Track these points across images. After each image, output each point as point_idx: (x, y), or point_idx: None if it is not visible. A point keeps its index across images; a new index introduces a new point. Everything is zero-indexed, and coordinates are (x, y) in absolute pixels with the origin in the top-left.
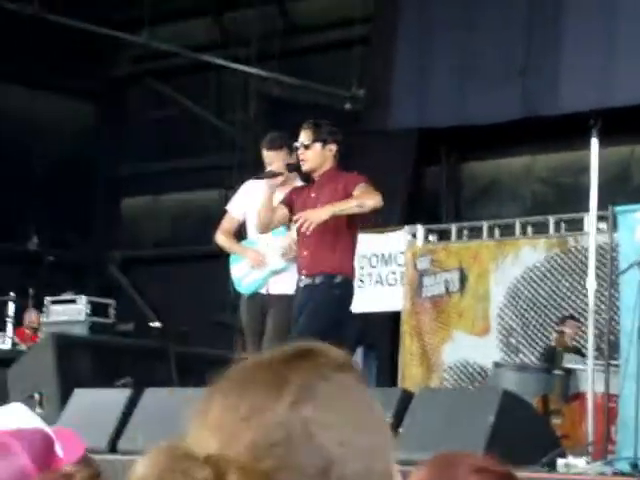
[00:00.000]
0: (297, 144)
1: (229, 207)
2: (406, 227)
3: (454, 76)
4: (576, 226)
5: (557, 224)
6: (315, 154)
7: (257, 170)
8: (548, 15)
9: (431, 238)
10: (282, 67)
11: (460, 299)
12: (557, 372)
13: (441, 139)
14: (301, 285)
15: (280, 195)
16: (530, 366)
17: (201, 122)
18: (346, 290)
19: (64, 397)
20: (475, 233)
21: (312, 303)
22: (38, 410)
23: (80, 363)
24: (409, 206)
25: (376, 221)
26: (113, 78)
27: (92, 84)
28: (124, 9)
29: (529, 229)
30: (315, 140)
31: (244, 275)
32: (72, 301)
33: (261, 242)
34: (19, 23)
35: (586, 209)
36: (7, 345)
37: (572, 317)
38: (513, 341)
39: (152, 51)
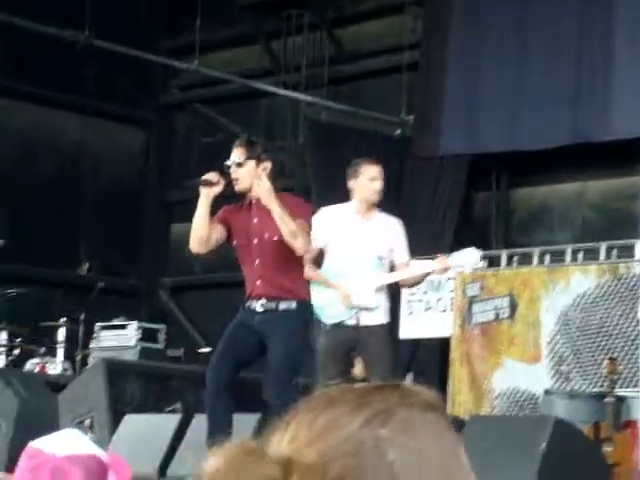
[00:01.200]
0: (228, 162)
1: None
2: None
3: (504, 101)
4: (627, 253)
5: (608, 251)
6: (248, 173)
7: (306, 196)
8: (599, 39)
9: (481, 264)
10: (331, 93)
11: (510, 326)
12: (609, 400)
13: (491, 165)
14: (259, 309)
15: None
16: (581, 394)
17: None
18: (309, 314)
19: (114, 422)
20: (525, 259)
21: (282, 329)
22: (89, 435)
23: (130, 388)
24: (459, 232)
25: (426, 247)
26: (162, 105)
27: (142, 111)
28: (174, 36)
29: (580, 256)
30: (249, 158)
31: (328, 304)
32: (122, 327)
33: (351, 275)
34: (71, 50)
35: (637, 235)
36: (58, 370)
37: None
38: (564, 368)
39: (202, 78)
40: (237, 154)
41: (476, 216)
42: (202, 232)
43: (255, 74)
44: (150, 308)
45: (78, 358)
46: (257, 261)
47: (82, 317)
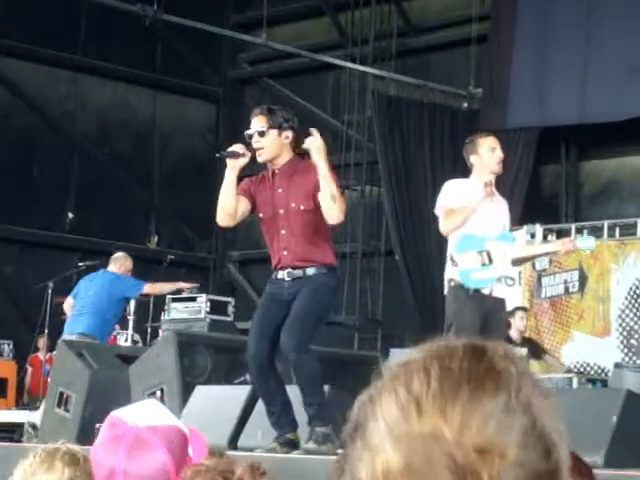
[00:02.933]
0: (250, 132)
1: (442, 203)
2: (525, 227)
3: (573, 74)
4: None
5: None
6: (271, 142)
7: (374, 170)
8: None
9: (550, 238)
10: (399, 66)
11: (580, 300)
12: None
13: (561, 137)
14: (288, 278)
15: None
16: None
17: (318, 122)
18: (336, 280)
19: (185, 394)
20: (595, 233)
21: (308, 288)
22: None
23: (200, 360)
24: (528, 205)
25: None
26: (231, 79)
27: (211, 85)
28: (242, 11)
29: None
30: (270, 127)
31: (474, 270)
32: (192, 299)
33: (492, 244)
34: (141, 25)
35: None
36: (128, 342)
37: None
38: (634, 342)
39: (270, 52)
40: (258, 123)
41: (545, 189)
42: (229, 206)
43: (323, 47)
44: (219, 281)
45: (149, 330)
46: (283, 232)
47: None
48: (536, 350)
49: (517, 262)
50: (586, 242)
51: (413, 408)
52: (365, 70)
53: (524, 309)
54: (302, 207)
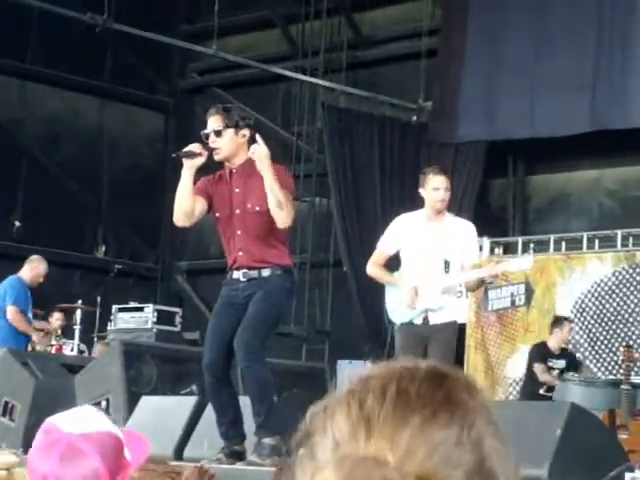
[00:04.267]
0: (206, 131)
1: (381, 244)
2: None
3: (522, 88)
4: None
5: (625, 238)
6: (227, 141)
7: (324, 180)
8: (618, 28)
9: (497, 251)
10: (349, 79)
11: (526, 313)
12: (624, 387)
13: (509, 151)
14: (243, 279)
15: None
16: (597, 381)
17: (268, 133)
18: (292, 282)
19: (131, 404)
20: (542, 247)
21: (262, 291)
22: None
23: (146, 371)
24: (476, 219)
25: None
26: (181, 89)
27: (160, 95)
28: (193, 21)
29: (596, 243)
30: (227, 126)
31: (398, 305)
32: (139, 309)
33: (422, 279)
34: (91, 33)
35: None
36: (74, 352)
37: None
38: (580, 356)
39: (220, 62)
40: (214, 122)
41: (493, 203)
42: (187, 205)
43: (273, 59)
44: (166, 291)
45: (95, 340)
46: (239, 232)
47: (99, 299)
48: (574, 362)
49: (469, 288)
50: (519, 264)
51: (363, 427)
52: (316, 82)
53: (571, 320)
54: (257, 208)
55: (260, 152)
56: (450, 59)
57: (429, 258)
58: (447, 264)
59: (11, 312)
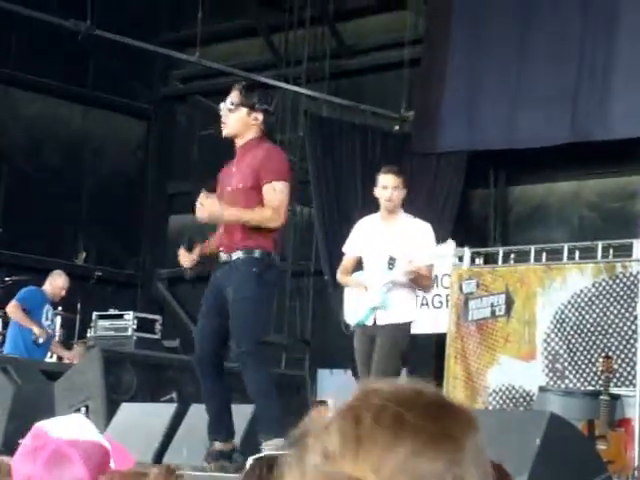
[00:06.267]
0: (222, 104)
1: (345, 249)
2: (453, 249)
3: (504, 99)
4: (624, 252)
5: (605, 249)
6: (237, 119)
7: (306, 188)
8: (600, 39)
9: (477, 261)
10: (332, 88)
11: (506, 323)
12: (603, 398)
13: (490, 162)
14: (221, 260)
15: None
16: (576, 391)
17: None
18: (266, 265)
19: (110, 411)
20: (522, 257)
21: (232, 287)
22: None
23: (126, 378)
24: (456, 229)
25: None
26: (163, 96)
27: (142, 102)
28: (176, 28)
29: (577, 254)
30: (241, 104)
31: (355, 308)
32: (119, 316)
33: (369, 274)
34: (73, 40)
35: (634, 235)
36: (54, 358)
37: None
38: (559, 366)
39: (203, 70)
40: (232, 97)
41: (474, 213)
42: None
43: (256, 67)
44: (147, 299)
45: (75, 347)
46: None
47: (79, 306)
48: None
49: (419, 287)
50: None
51: (352, 446)
52: (298, 91)
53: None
54: (240, 185)
55: (203, 216)
56: (433, 69)
57: (376, 256)
58: (392, 261)
59: (11, 305)
